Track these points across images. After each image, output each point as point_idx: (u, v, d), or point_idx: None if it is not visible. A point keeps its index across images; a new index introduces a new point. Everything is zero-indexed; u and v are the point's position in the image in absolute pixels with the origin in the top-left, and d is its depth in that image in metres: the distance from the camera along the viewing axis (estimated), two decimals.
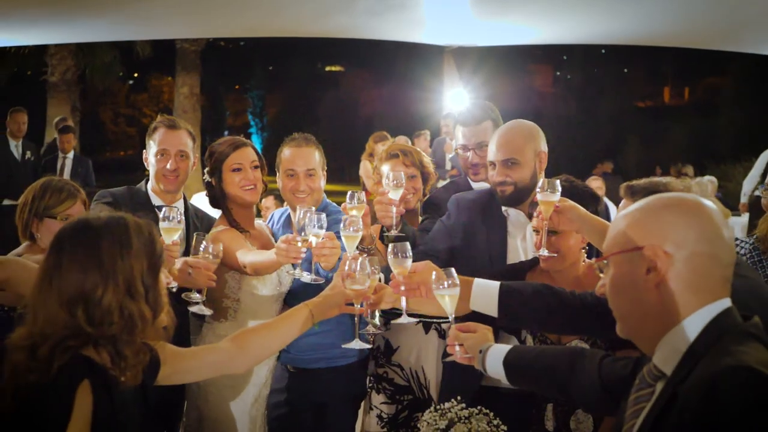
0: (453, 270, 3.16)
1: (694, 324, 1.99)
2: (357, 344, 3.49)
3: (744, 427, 1.71)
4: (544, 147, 4.06)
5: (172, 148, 4.47)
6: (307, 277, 3.74)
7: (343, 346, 3.59)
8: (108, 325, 2.47)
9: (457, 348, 3.13)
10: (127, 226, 2.58)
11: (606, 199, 12.04)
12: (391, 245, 3.30)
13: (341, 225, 3.49)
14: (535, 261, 3.76)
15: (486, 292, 3.26)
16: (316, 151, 4.39)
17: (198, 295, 3.75)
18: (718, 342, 1.93)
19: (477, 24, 9.88)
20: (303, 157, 4.32)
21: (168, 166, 4.45)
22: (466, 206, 4.15)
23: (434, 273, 3.15)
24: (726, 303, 2.02)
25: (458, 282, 3.13)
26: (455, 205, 4.19)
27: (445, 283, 3.12)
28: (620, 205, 3.29)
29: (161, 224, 3.64)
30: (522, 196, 3.91)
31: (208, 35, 16.30)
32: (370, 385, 4.49)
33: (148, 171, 4.60)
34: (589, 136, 30.80)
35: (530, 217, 3.74)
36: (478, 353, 3.04)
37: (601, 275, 2.21)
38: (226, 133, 35.54)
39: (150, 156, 4.52)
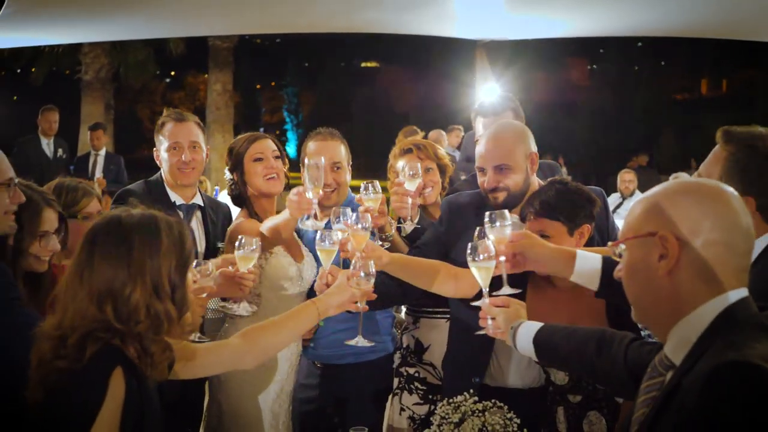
0: (490, 243, 3.07)
1: (705, 314, 1.95)
2: (360, 341, 3.55)
3: (739, 423, 1.68)
4: (534, 148, 3.87)
5: (184, 139, 4.44)
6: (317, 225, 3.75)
7: (346, 342, 3.63)
8: (135, 323, 2.51)
9: (489, 322, 3.06)
10: (158, 225, 2.61)
11: (638, 192, 11.99)
12: (487, 213, 3.18)
13: (317, 237, 3.46)
14: None
15: (589, 264, 3.11)
16: (342, 145, 4.39)
17: (237, 306, 3.89)
18: (727, 334, 1.89)
19: (509, 17, 9.77)
20: (329, 151, 4.30)
21: (183, 157, 4.41)
22: (458, 210, 4.01)
23: (469, 245, 3.08)
24: (741, 293, 1.97)
25: (494, 254, 3.05)
26: (447, 209, 4.05)
27: (481, 255, 3.05)
28: (712, 151, 3.12)
29: (236, 252, 3.64)
30: (515, 201, 3.74)
31: (237, 31, 16.32)
32: (401, 385, 4.44)
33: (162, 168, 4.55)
34: (624, 129, 30.56)
35: (523, 219, 3.64)
36: (510, 329, 2.99)
37: (619, 260, 2.16)
38: (261, 130, 35.76)
39: (162, 152, 4.48)
